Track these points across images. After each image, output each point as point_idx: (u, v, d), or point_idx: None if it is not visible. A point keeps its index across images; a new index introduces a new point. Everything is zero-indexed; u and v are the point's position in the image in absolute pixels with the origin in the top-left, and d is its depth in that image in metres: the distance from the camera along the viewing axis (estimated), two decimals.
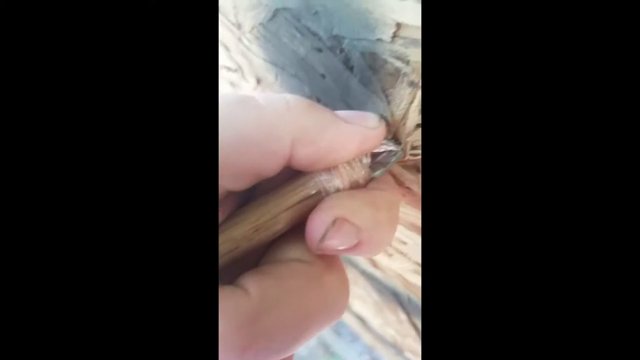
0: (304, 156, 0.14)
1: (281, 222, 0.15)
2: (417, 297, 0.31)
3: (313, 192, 0.15)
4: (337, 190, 0.15)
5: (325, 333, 1.16)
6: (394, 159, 0.16)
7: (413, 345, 0.44)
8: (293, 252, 0.15)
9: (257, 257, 0.16)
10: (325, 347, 1.17)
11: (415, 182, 0.18)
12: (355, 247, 0.14)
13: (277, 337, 0.13)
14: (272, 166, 0.14)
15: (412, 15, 0.12)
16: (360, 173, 0.15)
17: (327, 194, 0.15)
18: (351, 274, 0.43)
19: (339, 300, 0.15)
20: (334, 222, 0.14)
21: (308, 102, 0.14)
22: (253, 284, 0.13)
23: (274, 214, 0.15)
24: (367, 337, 0.64)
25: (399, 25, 0.13)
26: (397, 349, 0.51)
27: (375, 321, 0.49)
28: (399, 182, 0.20)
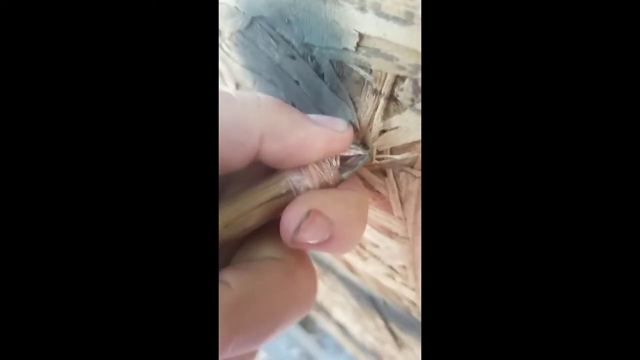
0: (272, 152, 0.14)
1: (251, 220, 0.15)
2: (392, 300, 0.31)
3: (284, 191, 0.16)
4: (308, 190, 0.16)
5: (310, 345, 1.15)
6: (361, 162, 0.17)
7: (392, 351, 0.44)
8: (267, 250, 0.16)
9: (228, 253, 0.16)
10: (309, 359, 1.16)
11: (383, 185, 0.19)
12: (326, 242, 0.15)
13: (255, 329, 0.13)
14: (239, 158, 0.14)
15: (372, 27, 0.13)
16: (329, 175, 0.16)
17: (298, 193, 0.15)
18: (330, 281, 0.43)
19: (309, 294, 0.16)
20: (308, 213, 0.14)
21: (279, 101, 0.15)
22: (234, 278, 0.13)
23: (244, 211, 0.15)
24: (349, 347, 0.64)
25: (361, 36, 0.14)
26: (378, 356, 0.51)
27: (355, 328, 0.50)
28: (369, 186, 0.20)
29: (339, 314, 0.51)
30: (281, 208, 0.15)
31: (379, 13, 0.12)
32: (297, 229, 0.14)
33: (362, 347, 0.53)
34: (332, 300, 0.49)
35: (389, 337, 0.39)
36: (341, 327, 0.55)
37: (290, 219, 0.14)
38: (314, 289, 0.16)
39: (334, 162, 0.16)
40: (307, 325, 1.25)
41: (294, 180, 0.16)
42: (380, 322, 0.37)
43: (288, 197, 0.15)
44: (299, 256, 0.16)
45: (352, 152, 0.17)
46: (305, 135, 0.15)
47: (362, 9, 0.13)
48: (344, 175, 0.17)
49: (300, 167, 0.16)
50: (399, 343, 0.39)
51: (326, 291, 0.47)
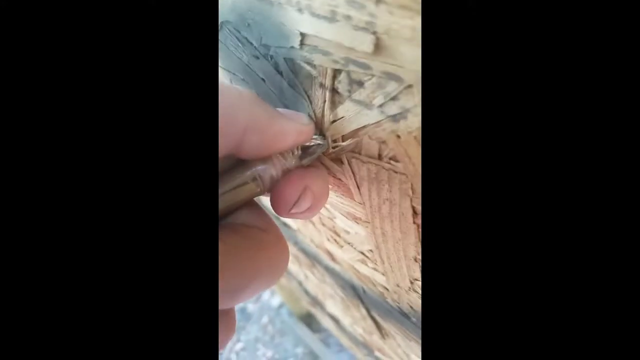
0: (252, 143, 0.16)
1: (221, 206, 0.17)
2: (369, 288, 0.33)
3: (249, 180, 0.17)
4: (272, 178, 0.17)
5: (314, 344, 1.16)
6: (319, 150, 0.19)
7: (379, 342, 0.45)
8: (250, 218, 0.17)
9: None
10: (314, 357, 1.17)
11: (342, 172, 0.21)
12: (306, 211, 0.17)
13: (231, 283, 0.14)
14: (221, 148, 0.15)
15: (308, 26, 0.15)
16: (291, 163, 0.18)
17: (263, 181, 0.17)
18: (319, 273, 0.45)
19: (281, 264, 0.17)
20: (304, 189, 0.17)
21: (255, 95, 0.16)
22: (222, 234, 0.15)
23: None
24: (344, 340, 0.65)
25: (302, 35, 0.16)
26: (368, 348, 0.52)
27: (345, 320, 0.51)
28: (331, 174, 0.22)
29: (331, 306, 0.52)
30: (245, 195, 0.17)
31: (312, 13, 0.14)
32: (294, 201, 0.17)
33: (355, 340, 0.54)
34: (324, 293, 0.50)
35: (374, 327, 0.41)
36: (334, 320, 0.57)
37: (291, 193, 0.17)
38: (285, 260, 0.17)
39: (296, 152, 0.18)
40: (312, 324, 1.26)
41: (260, 169, 0.17)
42: (364, 312, 0.39)
43: (252, 185, 0.17)
44: (276, 230, 0.17)
45: (312, 142, 0.19)
46: (281, 129, 0.16)
47: (300, 10, 0.15)
48: (304, 162, 0.18)
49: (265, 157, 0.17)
50: (383, 333, 0.40)
51: (317, 284, 0.49)
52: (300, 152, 0.18)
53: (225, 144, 0.15)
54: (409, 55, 0.12)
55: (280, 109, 0.18)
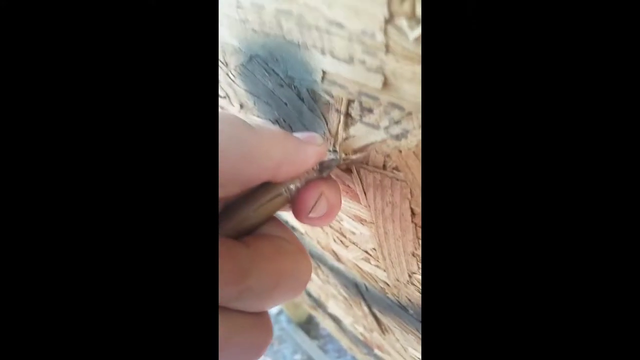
0: (286, 172, 0.19)
1: (253, 219, 0.20)
2: (370, 284, 0.37)
3: (282, 193, 0.20)
4: (297, 189, 0.21)
5: (313, 350, 1.18)
6: (334, 163, 0.23)
7: (379, 339, 0.49)
8: (276, 230, 0.20)
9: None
10: None
11: (350, 180, 0.25)
12: (323, 217, 0.21)
13: (259, 286, 0.16)
14: (259, 178, 0.19)
15: (329, 66, 0.19)
16: (312, 175, 0.22)
17: (290, 192, 0.21)
18: (323, 274, 0.48)
19: (304, 276, 0.19)
20: (320, 195, 0.20)
21: (283, 131, 0.19)
22: (252, 240, 0.18)
23: (246, 214, 0.20)
24: (344, 341, 0.69)
25: (324, 72, 0.20)
26: (368, 347, 0.56)
27: (346, 320, 0.54)
28: (341, 182, 0.26)
29: (333, 306, 0.56)
30: (276, 208, 0.20)
31: (333, 56, 0.19)
32: (311, 208, 0.20)
33: (355, 340, 0.57)
34: (327, 294, 0.54)
35: (375, 324, 0.44)
36: (335, 320, 0.60)
37: (308, 199, 0.20)
38: (308, 271, 0.20)
39: (316, 166, 0.22)
40: (310, 331, 1.28)
41: (289, 184, 0.20)
42: (366, 309, 0.43)
43: (283, 198, 0.20)
44: (298, 243, 0.20)
45: (327, 157, 0.23)
46: (305, 156, 0.20)
47: (323, 52, 0.19)
48: (324, 174, 0.22)
49: None
50: (383, 328, 0.44)
51: (321, 285, 0.53)
52: (318, 166, 0.22)
53: (263, 176, 0.19)
54: (410, 91, 0.16)
55: (298, 134, 0.21)
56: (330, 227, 0.35)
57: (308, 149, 0.20)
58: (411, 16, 0.14)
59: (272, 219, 0.20)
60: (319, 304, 0.62)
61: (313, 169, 0.21)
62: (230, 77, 0.30)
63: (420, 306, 0.31)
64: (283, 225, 0.20)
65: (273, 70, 0.24)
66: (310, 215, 0.20)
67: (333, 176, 0.25)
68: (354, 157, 0.22)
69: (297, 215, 0.21)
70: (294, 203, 0.21)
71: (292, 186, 0.20)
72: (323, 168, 0.22)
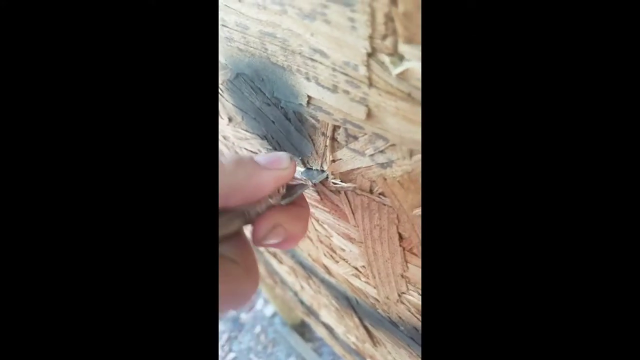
0: (236, 200, 0.19)
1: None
2: (361, 299, 0.36)
3: (238, 216, 0.20)
4: (257, 214, 0.20)
5: (307, 354, 1.18)
6: (300, 190, 0.22)
7: (371, 350, 0.48)
8: (228, 250, 0.19)
9: None
10: None
11: (340, 201, 0.25)
12: (282, 243, 0.21)
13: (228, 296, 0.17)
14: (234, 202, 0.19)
15: (314, 92, 0.19)
16: (277, 200, 0.21)
17: (250, 216, 0.20)
18: (315, 285, 0.48)
19: (247, 294, 0.19)
20: (274, 226, 0.20)
21: (238, 158, 0.19)
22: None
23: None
24: (337, 349, 0.68)
25: (309, 97, 0.19)
26: (361, 356, 0.56)
27: (339, 329, 0.54)
28: (330, 201, 0.26)
29: (325, 315, 0.56)
30: (232, 230, 0.19)
31: (318, 83, 0.18)
32: (265, 237, 0.20)
33: (348, 349, 0.57)
34: (319, 303, 0.54)
35: (366, 336, 0.44)
36: (328, 329, 0.60)
37: (262, 229, 0.20)
38: (250, 290, 0.19)
39: (281, 190, 0.21)
40: (305, 334, 1.28)
41: (248, 208, 0.20)
42: (357, 321, 0.42)
43: (239, 221, 0.20)
44: (249, 262, 0.19)
45: (296, 182, 0.22)
46: (258, 183, 0.19)
47: (308, 78, 0.19)
48: (283, 202, 0.21)
49: None
50: (374, 341, 0.43)
51: (313, 295, 0.52)
52: (284, 190, 0.21)
53: (233, 198, 0.18)
54: (393, 125, 0.16)
55: (261, 156, 0.20)
56: (321, 242, 0.35)
57: (263, 175, 0.19)
58: (393, 52, 0.13)
59: (229, 239, 0.20)
60: (311, 312, 0.62)
61: (278, 191, 0.21)
62: (219, 92, 0.29)
63: (411, 324, 0.31)
64: (240, 245, 0.20)
65: (259, 89, 0.24)
66: (265, 242, 0.20)
67: (312, 198, 0.25)
68: (344, 185, 0.22)
69: (253, 240, 0.20)
70: (252, 229, 0.20)
71: (251, 210, 0.20)
72: (290, 193, 0.21)
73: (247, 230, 0.21)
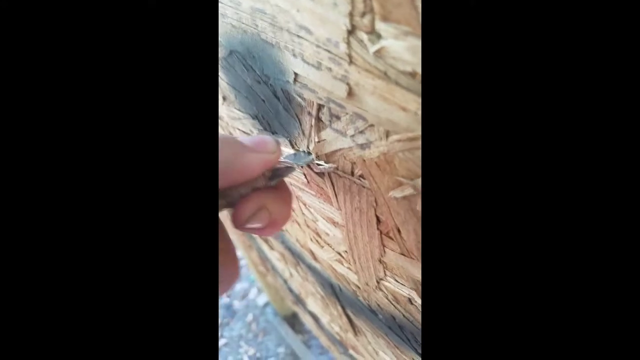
0: (222, 181, 0.18)
1: None
2: (344, 286, 0.37)
3: (220, 198, 0.19)
4: (241, 196, 0.20)
5: (296, 345, 1.19)
6: (287, 172, 0.22)
7: (353, 340, 0.49)
8: None
9: None
10: (295, 358, 1.20)
11: (324, 182, 0.25)
12: (265, 228, 0.20)
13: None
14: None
15: (300, 69, 0.19)
16: (261, 183, 0.20)
17: (232, 199, 0.19)
18: (302, 271, 0.49)
19: (226, 282, 0.19)
20: (258, 208, 0.20)
21: (226, 138, 0.18)
22: None
23: None
24: (323, 339, 0.69)
25: (295, 74, 0.20)
26: (344, 347, 0.56)
27: (324, 319, 0.55)
28: (316, 184, 0.26)
29: (312, 304, 0.56)
30: (220, 209, 0.19)
31: (303, 60, 0.18)
32: (247, 220, 0.19)
33: (332, 339, 0.57)
34: (306, 291, 0.54)
35: (348, 325, 0.45)
36: (314, 318, 0.60)
37: (244, 212, 0.19)
38: (232, 279, 0.19)
39: (267, 173, 0.20)
40: (295, 325, 1.29)
41: (231, 189, 0.19)
42: (340, 309, 0.43)
43: (222, 203, 0.19)
44: (230, 251, 0.19)
45: (282, 165, 0.22)
46: (245, 164, 0.18)
47: (295, 55, 0.19)
48: (272, 183, 0.21)
49: None
50: (356, 330, 0.44)
51: (301, 282, 0.53)
52: (270, 173, 0.21)
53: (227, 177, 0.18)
54: (371, 104, 0.16)
55: (249, 138, 0.20)
56: (307, 226, 0.35)
57: (251, 158, 0.19)
58: (371, 31, 0.14)
59: None
60: (299, 300, 0.63)
61: (264, 174, 0.20)
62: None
63: (388, 312, 0.31)
64: (221, 231, 0.19)
65: (251, 67, 0.24)
66: (248, 225, 0.20)
67: (299, 181, 0.25)
68: (326, 165, 0.22)
69: (234, 223, 0.20)
70: (233, 211, 0.20)
71: (234, 193, 0.19)
72: (275, 176, 0.21)
73: (222, 214, 0.20)
